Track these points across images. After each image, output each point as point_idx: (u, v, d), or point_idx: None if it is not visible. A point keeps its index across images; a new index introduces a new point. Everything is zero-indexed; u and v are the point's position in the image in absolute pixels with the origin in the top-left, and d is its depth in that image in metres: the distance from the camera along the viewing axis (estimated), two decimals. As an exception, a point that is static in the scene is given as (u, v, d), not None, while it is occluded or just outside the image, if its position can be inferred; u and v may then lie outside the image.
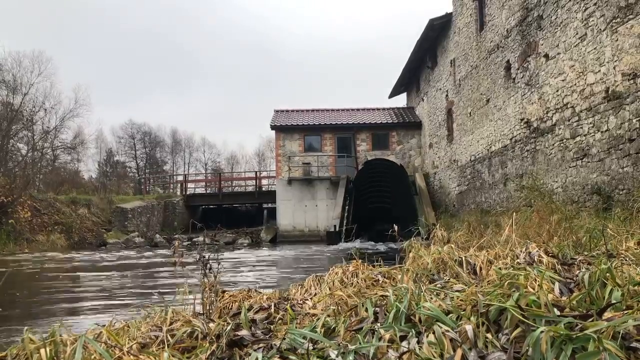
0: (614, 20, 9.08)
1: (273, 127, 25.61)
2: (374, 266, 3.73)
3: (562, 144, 11.12)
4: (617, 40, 8.98)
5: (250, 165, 60.15)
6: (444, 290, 2.50)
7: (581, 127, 10.30)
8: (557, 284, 2.33)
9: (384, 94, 78.32)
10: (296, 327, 2.36)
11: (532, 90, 12.72)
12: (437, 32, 20.86)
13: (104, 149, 54.09)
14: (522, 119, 13.31)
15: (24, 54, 39.18)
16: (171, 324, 2.45)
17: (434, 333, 1.83)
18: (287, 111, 28.00)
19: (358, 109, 28.44)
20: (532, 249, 3.33)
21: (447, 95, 20.80)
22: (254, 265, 12.32)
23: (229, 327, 2.29)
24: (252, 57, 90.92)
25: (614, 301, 1.96)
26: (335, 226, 20.31)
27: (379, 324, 2.09)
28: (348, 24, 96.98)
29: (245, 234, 24.51)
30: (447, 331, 1.82)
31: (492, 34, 15.45)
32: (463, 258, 3.44)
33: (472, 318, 1.94)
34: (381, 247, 15.73)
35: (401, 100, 32.17)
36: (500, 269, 2.91)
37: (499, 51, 14.91)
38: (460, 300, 2.19)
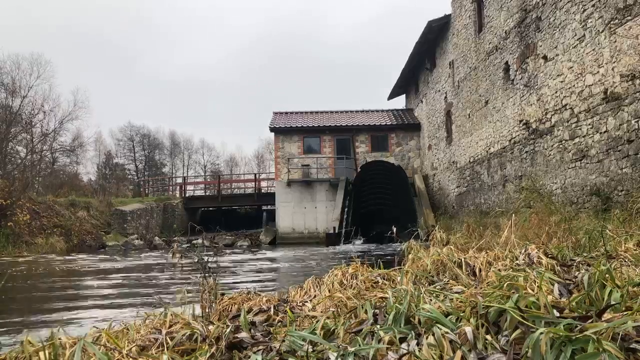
0: (612, 22, 9.10)
1: (272, 129, 25.62)
2: (373, 268, 3.73)
3: (561, 145, 11.13)
4: (616, 41, 9.00)
5: (250, 168, 60.30)
6: (444, 292, 2.50)
7: (580, 129, 10.32)
8: (556, 285, 2.33)
9: (384, 95, 78.46)
10: (296, 329, 2.36)
11: (530, 91, 12.74)
12: (435, 33, 20.88)
13: (102, 152, 54.12)
14: (520, 121, 13.32)
15: (23, 56, 39.22)
16: (170, 326, 2.45)
17: (433, 335, 1.83)
18: (286, 113, 28.02)
19: (357, 111, 28.47)
20: (531, 251, 3.33)
21: (446, 97, 20.82)
22: (253, 267, 12.31)
23: (228, 330, 2.29)
24: (251, 58, 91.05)
25: (613, 302, 1.96)
26: (334, 228, 20.31)
27: (378, 326, 2.09)
28: (348, 24, 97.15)
29: (245, 236, 24.51)
30: (447, 333, 1.82)
31: (490, 36, 15.48)
32: (462, 260, 3.44)
33: (471, 320, 1.94)
34: (380, 248, 15.73)
35: (400, 102, 32.25)
36: (499, 270, 2.91)
37: (497, 53, 14.93)
38: (459, 301, 2.19)
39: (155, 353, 2.13)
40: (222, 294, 3.81)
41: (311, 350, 1.94)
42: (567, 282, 2.51)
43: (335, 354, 1.83)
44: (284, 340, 2.09)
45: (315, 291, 3.62)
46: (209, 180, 50.22)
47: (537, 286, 2.23)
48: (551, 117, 11.63)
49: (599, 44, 9.59)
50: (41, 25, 74.54)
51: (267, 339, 2.31)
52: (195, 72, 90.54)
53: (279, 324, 2.74)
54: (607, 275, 2.24)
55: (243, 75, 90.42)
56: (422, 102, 25.19)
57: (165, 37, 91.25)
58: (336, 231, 20.04)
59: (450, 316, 2.04)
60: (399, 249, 4.73)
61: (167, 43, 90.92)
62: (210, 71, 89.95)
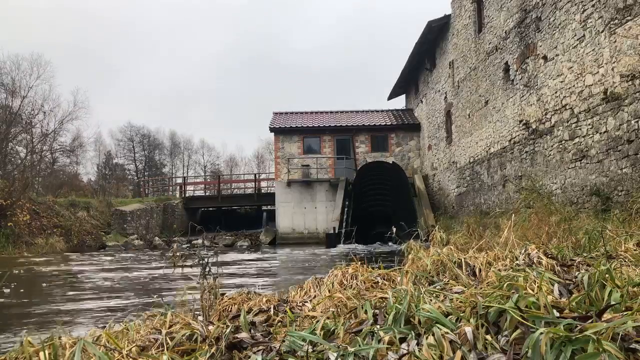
0: (612, 22, 9.11)
1: (272, 130, 25.62)
2: (373, 268, 3.73)
3: (560, 146, 11.13)
4: (615, 41, 9.00)
5: (249, 168, 60.32)
6: (443, 292, 2.50)
7: (580, 129, 10.32)
8: (556, 285, 2.33)
9: (383, 95, 78.48)
10: (295, 330, 2.36)
11: (530, 91, 12.74)
12: (435, 34, 20.89)
13: (102, 152, 54.18)
14: (520, 121, 13.33)
15: (23, 57, 39.23)
16: (170, 326, 2.45)
17: (433, 335, 1.83)
18: (286, 113, 28.01)
19: (357, 111, 28.46)
20: (531, 251, 3.33)
21: (445, 97, 20.82)
22: (253, 267, 12.31)
23: (228, 330, 2.29)
24: (252, 59, 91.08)
25: (613, 302, 1.96)
26: (334, 228, 20.31)
27: (378, 326, 2.09)
28: (348, 24, 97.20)
29: (245, 236, 24.50)
30: (447, 333, 1.82)
31: (490, 36, 15.48)
32: (462, 260, 3.44)
33: (471, 320, 1.94)
34: (380, 249, 15.72)
35: (400, 102, 32.25)
36: (499, 270, 2.91)
37: (497, 53, 14.93)
38: (459, 302, 2.19)
39: (155, 353, 2.13)
40: (222, 294, 3.82)
41: (311, 350, 1.94)
42: (567, 282, 2.51)
43: (335, 354, 1.83)
44: (284, 341, 2.09)
45: (315, 291, 3.62)
46: (209, 180, 50.21)
47: (537, 286, 2.23)
48: (551, 117, 11.63)
49: (598, 44, 9.59)
50: (39, 26, 74.62)
51: (267, 339, 2.31)
52: (196, 73, 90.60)
53: (279, 324, 2.74)
54: (607, 275, 2.24)
55: (243, 77, 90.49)
56: (422, 102, 25.19)
57: (164, 38, 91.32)
58: (336, 231, 20.04)
59: (450, 316, 2.04)
60: (399, 249, 4.73)
61: (166, 45, 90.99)
62: (211, 72, 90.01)
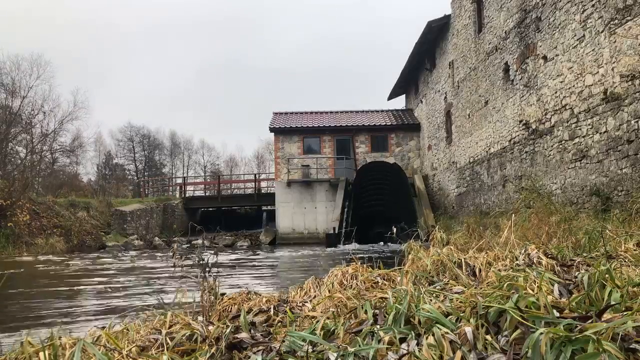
0: (612, 22, 9.11)
1: (272, 130, 25.62)
2: (373, 268, 3.72)
3: (560, 146, 11.13)
4: (615, 41, 9.00)
5: (249, 168, 60.32)
6: (443, 292, 2.50)
7: (580, 129, 10.32)
8: (556, 285, 2.33)
9: (383, 95, 78.46)
10: (295, 330, 2.36)
11: (530, 92, 12.74)
12: (435, 34, 20.89)
13: (102, 152, 54.18)
14: (520, 121, 13.33)
15: (23, 57, 39.18)
16: (170, 327, 2.44)
17: (433, 335, 1.83)
18: (286, 113, 28.01)
19: (357, 111, 28.46)
20: (531, 251, 3.33)
21: (445, 97, 20.82)
22: (252, 267, 12.31)
23: (228, 330, 2.29)
24: (252, 59, 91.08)
25: (613, 302, 1.96)
26: (334, 228, 20.31)
27: (378, 326, 2.09)
28: (347, 23, 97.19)
29: (245, 236, 24.50)
30: (447, 333, 1.82)
31: (490, 36, 15.48)
32: (462, 260, 3.44)
33: (471, 320, 1.94)
34: (380, 249, 15.72)
35: (400, 102, 32.27)
36: (499, 270, 2.91)
37: (497, 53, 14.93)
38: (459, 302, 2.19)
39: (155, 353, 2.13)
40: (222, 294, 3.81)
41: (311, 350, 1.94)
42: (567, 282, 2.51)
43: (335, 354, 1.83)
44: (283, 341, 2.09)
45: (315, 291, 3.62)
46: (209, 180, 50.18)
47: (537, 286, 2.23)
48: (551, 118, 11.63)
49: (598, 44, 9.59)
50: (39, 27, 74.64)
51: (267, 339, 2.31)
52: (196, 73, 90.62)
53: (279, 324, 2.74)
54: (607, 276, 2.24)
55: (243, 77, 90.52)
56: (421, 102, 25.19)
57: (164, 38, 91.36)
58: (336, 231, 20.03)
59: (450, 316, 2.04)
60: (399, 249, 4.73)
61: (166, 45, 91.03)
62: (211, 72, 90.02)
